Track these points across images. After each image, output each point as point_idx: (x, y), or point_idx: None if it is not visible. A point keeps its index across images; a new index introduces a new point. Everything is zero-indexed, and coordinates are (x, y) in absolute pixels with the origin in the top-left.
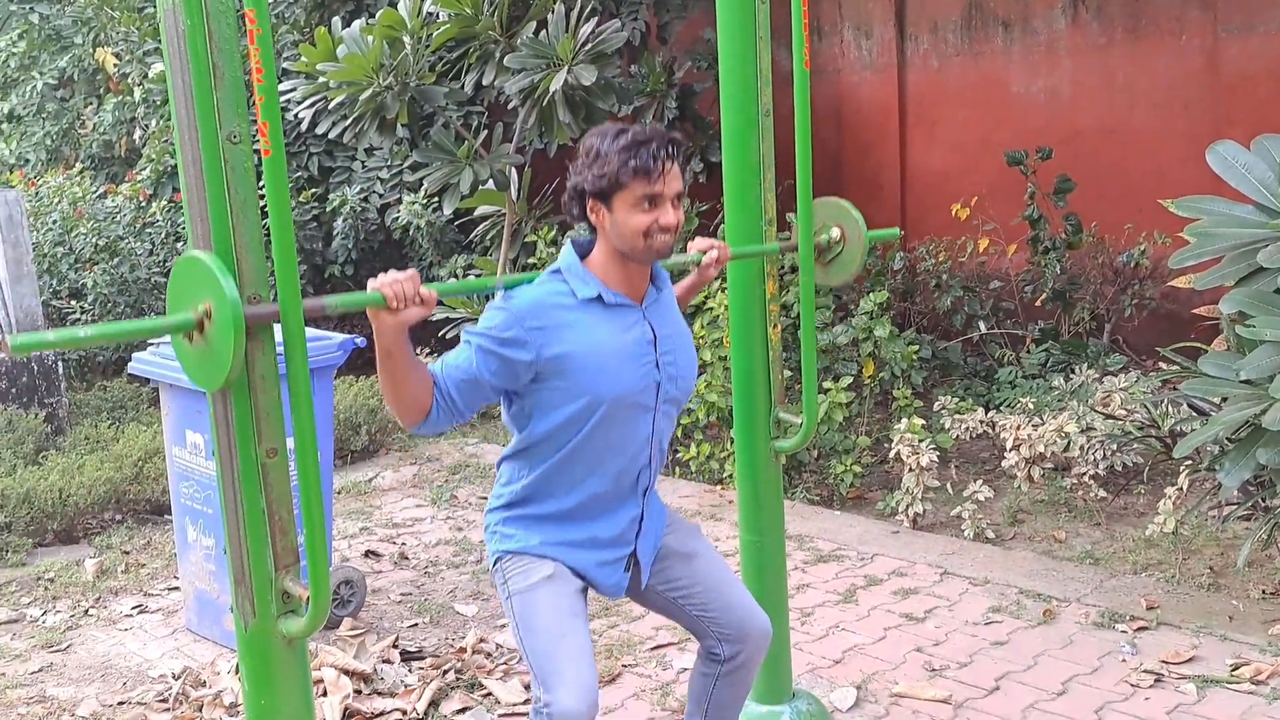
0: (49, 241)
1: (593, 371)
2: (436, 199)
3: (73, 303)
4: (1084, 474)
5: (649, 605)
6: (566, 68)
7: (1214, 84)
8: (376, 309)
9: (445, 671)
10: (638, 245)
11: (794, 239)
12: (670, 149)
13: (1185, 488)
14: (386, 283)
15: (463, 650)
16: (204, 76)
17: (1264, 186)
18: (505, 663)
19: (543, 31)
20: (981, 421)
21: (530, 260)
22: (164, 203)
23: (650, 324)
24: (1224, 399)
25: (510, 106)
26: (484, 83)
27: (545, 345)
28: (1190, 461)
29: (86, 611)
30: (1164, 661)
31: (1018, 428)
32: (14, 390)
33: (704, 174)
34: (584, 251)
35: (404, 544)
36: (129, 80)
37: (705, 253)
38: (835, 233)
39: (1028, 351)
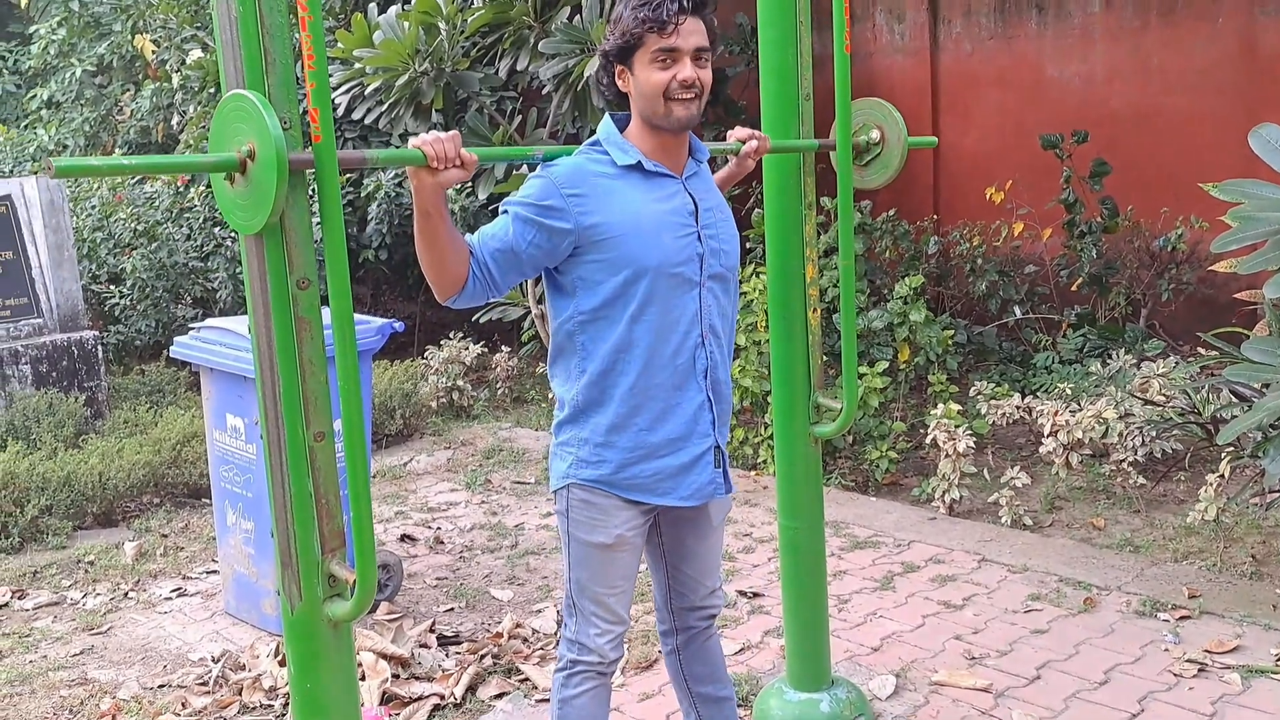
0: (88, 227)
1: (633, 240)
2: (471, 184)
3: (112, 287)
4: (1123, 460)
5: (647, 544)
6: (600, 53)
7: (1250, 67)
8: (417, 168)
9: (482, 656)
10: (659, 107)
11: (833, 137)
12: (686, 1)
13: (1227, 475)
14: (428, 140)
15: (499, 635)
16: (255, 62)
17: None
18: (542, 648)
19: (576, 17)
20: (1018, 407)
21: None
22: (202, 188)
23: (691, 195)
24: (1266, 385)
25: (544, 92)
26: (518, 68)
27: (585, 213)
28: (1232, 448)
29: (126, 594)
30: (1207, 651)
31: (1055, 413)
32: (54, 374)
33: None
34: (622, 124)
35: (439, 528)
36: (167, 67)
37: (744, 141)
38: (875, 134)
39: (1064, 336)
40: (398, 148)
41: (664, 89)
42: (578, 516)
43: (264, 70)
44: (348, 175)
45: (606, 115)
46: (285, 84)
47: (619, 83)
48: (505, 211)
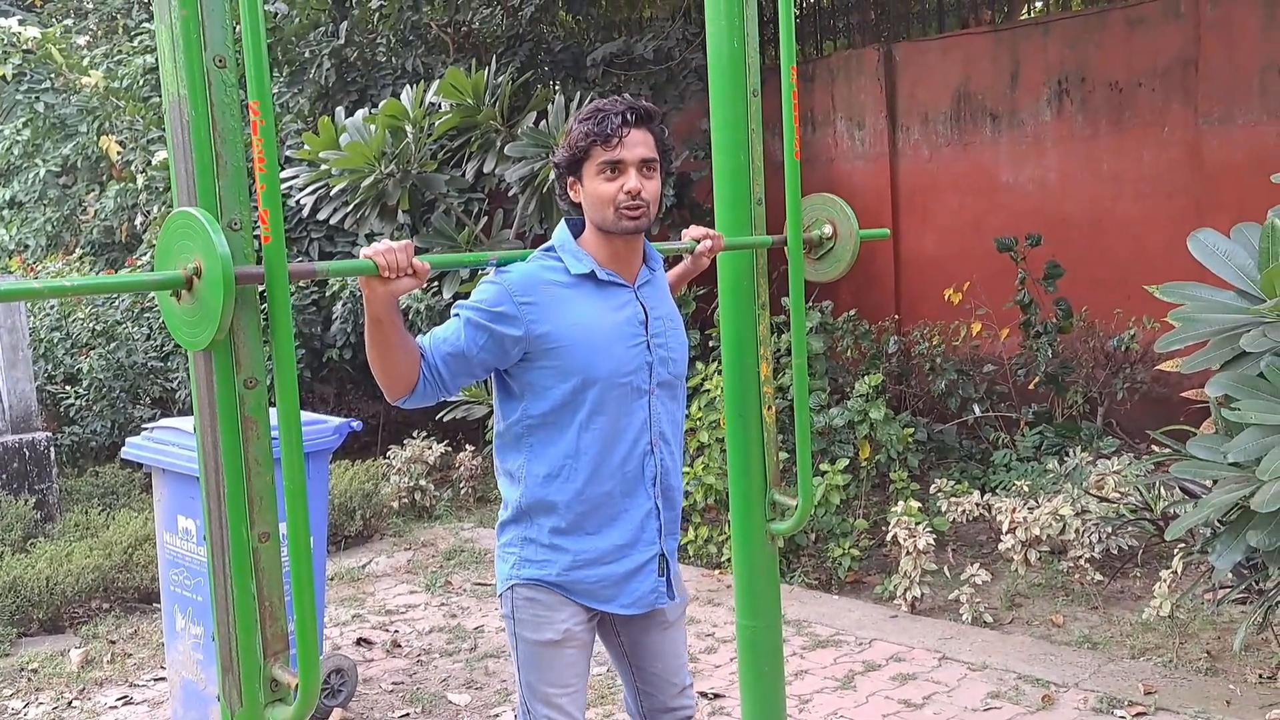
0: (45, 326)
1: (583, 349)
2: (437, 283)
3: (68, 388)
4: (1080, 557)
5: (608, 646)
6: None
7: (1196, 172)
8: (368, 277)
9: None
10: (608, 215)
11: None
12: (629, 115)
13: (1180, 571)
14: (380, 250)
15: None
16: (207, 166)
17: (1244, 273)
18: None
19: (543, 121)
20: (978, 504)
21: None
22: None
23: (642, 304)
24: (1214, 481)
25: (510, 194)
26: (485, 170)
27: (536, 321)
28: (1184, 544)
29: (70, 704)
30: None
31: (1014, 511)
32: (4, 476)
33: None
34: (577, 230)
35: (397, 631)
36: (132, 168)
37: (699, 240)
38: (827, 229)
39: (1022, 434)
40: (361, 248)
41: (612, 200)
42: (523, 616)
43: (215, 173)
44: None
45: (562, 221)
46: (237, 186)
47: (570, 193)
48: (457, 315)
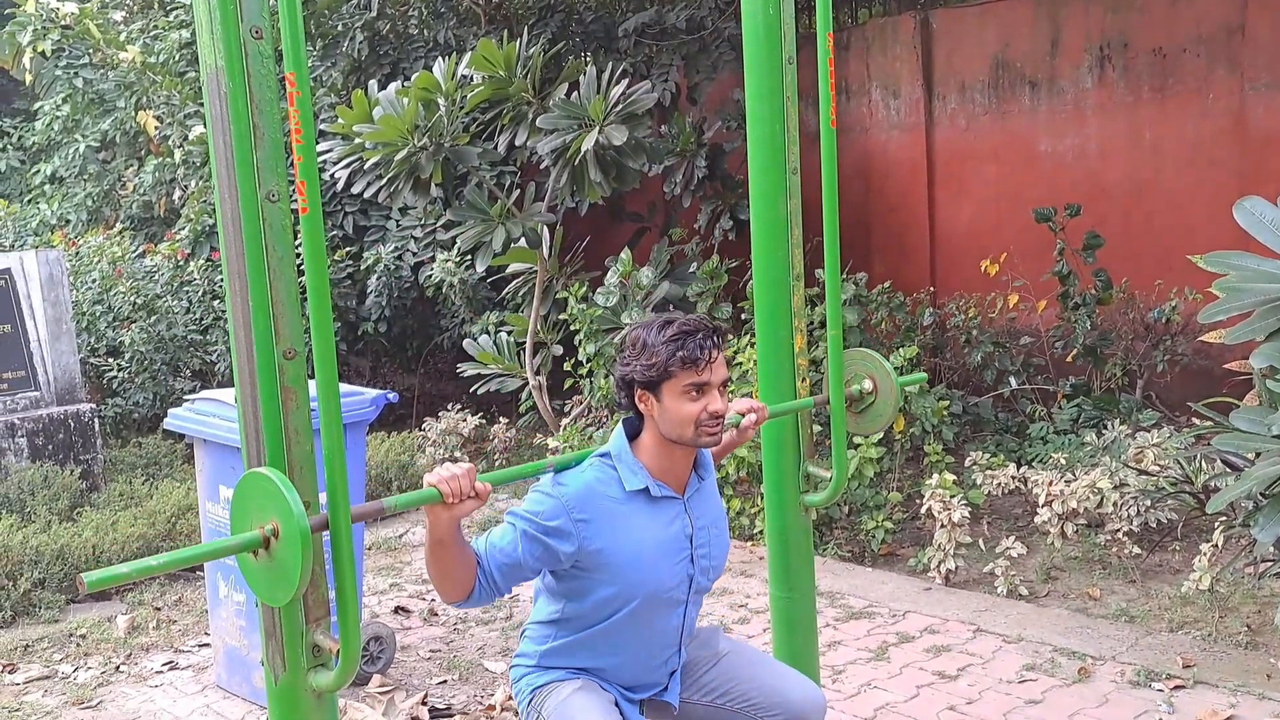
0: (88, 300)
1: (631, 568)
2: (469, 257)
3: (110, 360)
4: (1118, 530)
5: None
6: (598, 128)
7: (1241, 141)
8: (432, 503)
9: None
10: (687, 433)
11: (826, 392)
12: (716, 339)
13: (1221, 544)
14: (444, 478)
15: (491, 708)
16: (244, 137)
17: None
18: None
19: (574, 93)
20: (1013, 477)
21: (561, 316)
22: (201, 261)
23: (690, 517)
24: (1257, 454)
25: (542, 166)
26: (517, 143)
27: (589, 539)
28: (1225, 518)
29: (117, 668)
30: None
31: (1050, 484)
32: (50, 447)
33: (733, 231)
34: (633, 431)
35: (433, 600)
36: (169, 143)
37: (744, 414)
38: (867, 384)
39: (1059, 407)
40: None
41: (695, 419)
42: (546, 699)
43: (253, 145)
44: (347, 249)
45: (619, 427)
46: (274, 158)
47: (639, 404)
48: (513, 525)
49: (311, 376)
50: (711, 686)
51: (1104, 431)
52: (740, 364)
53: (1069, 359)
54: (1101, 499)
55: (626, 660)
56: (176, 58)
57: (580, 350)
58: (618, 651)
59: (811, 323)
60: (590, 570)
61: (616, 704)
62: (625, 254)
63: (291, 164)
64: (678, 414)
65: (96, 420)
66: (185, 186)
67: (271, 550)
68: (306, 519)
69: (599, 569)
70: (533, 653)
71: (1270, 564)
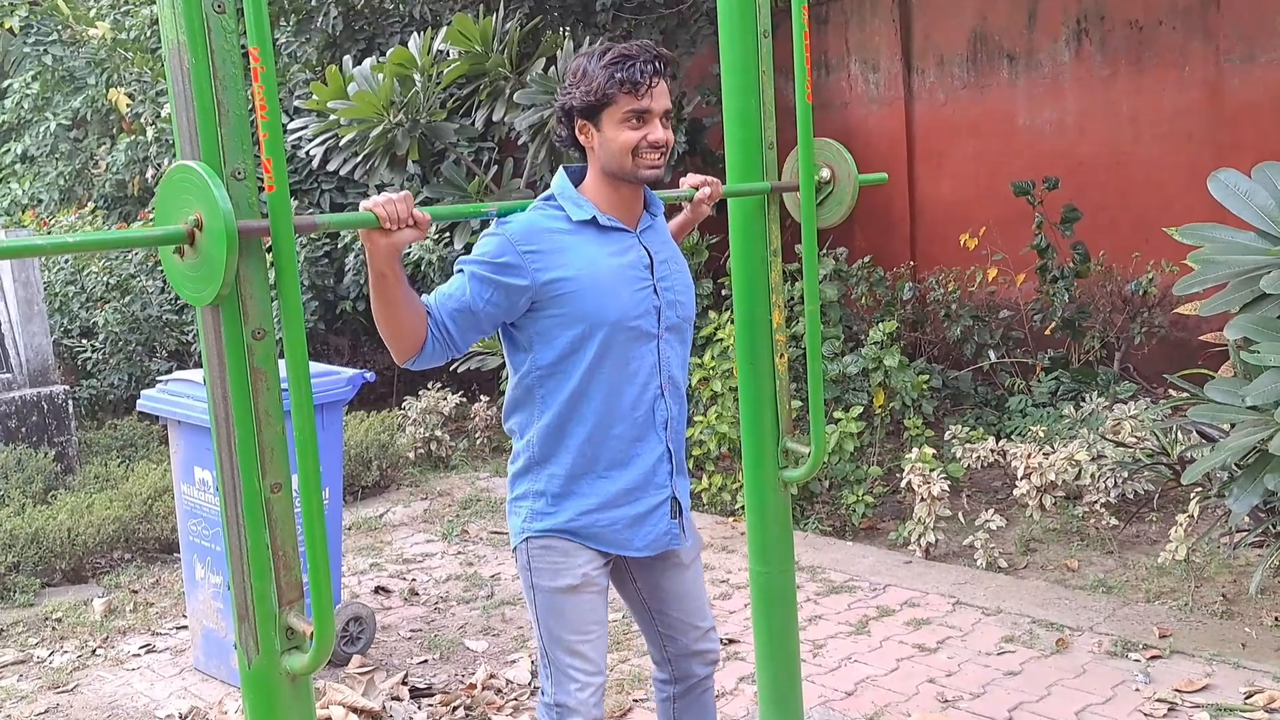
0: (60, 280)
1: (590, 295)
2: (448, 234)
3: (84, 341)
4: (1095, 502)
5: (625, 595)
6: None
7: (1217, 113)
8: (369, 229)
9: (455, 708)
10: (626, 163)
11: (788, 179)
12: (657, 64)
13: (1196, 515)
14: (380, 202)
15: (473, 687)
16: (209, 113)
17: (1265, 214)
18: (515, 699)
19: (552, 68)
20: (992, 450)
21: None
22: None
23: (646, 248)
24: (1231, 425)
25: (520, 142)
26: (494, 119)
27: (541, 270)
28: (1200, 488)
29: (94, 651)
30: (1177, 690)
31: (1029, 456)
32: (23, 429)
33: (714, 206)
34: (577, 178)
35: (414, 580)
36: (142, 120)
37: (698, 188)
38: (825, 173)
39: (1038, 380)
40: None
41: (633, 147)
42: (539, 565)
43: (217, 122)
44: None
45: (561, 169)
46: (239, 134)
47: (580, 136)
48: (461, 270)
49: (281, 357)
50: (660, 589)
51: (1082, 404)
52: (720, 339)
53: (1047, 332)
54: (1079, 471)
55: (613, 431)
56: (148, 34)
57: None
58: (600, 410)
59: (791, 298)
60: (549, 304)
61: (607, 590)
62: None
63: (257, 141)
64: (616, 142)
65: (70, 402)
66: (159, 165)
67: (197, 244)
68: (232, 210)
69: (556, 301)
70: (520, 457)
71: (1245, 534)
